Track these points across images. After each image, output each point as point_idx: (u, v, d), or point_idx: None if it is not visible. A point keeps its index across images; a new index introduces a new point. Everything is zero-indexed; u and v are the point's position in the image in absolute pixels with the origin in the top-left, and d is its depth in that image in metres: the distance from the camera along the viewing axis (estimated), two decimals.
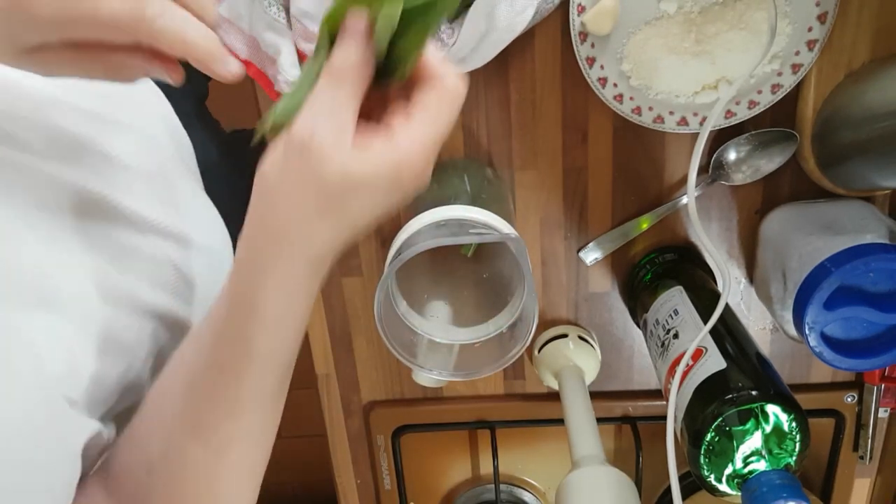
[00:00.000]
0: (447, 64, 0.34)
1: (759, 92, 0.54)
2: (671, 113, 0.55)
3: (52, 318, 0.38)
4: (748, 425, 0.45)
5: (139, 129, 0.50)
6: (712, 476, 0.47)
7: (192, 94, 0.64)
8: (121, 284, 0.44)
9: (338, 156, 0.32)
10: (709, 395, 0.48)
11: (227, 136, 0.67)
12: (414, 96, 0.34)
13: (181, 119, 0.56)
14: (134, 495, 0.42)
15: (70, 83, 0.37)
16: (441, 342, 0.53)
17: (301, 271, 0.36)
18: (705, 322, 0.52)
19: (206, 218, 0.56)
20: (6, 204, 0.38)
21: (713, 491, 0.47)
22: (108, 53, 0.34)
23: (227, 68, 0.35)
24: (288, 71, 0.53)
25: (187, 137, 0.56)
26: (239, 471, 0.42)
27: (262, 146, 0.36)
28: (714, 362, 0.49)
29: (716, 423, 0.46)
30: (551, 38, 0.56)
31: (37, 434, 0.34)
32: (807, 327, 0.51)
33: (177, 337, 0.50)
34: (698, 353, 0.51)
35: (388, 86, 0.35)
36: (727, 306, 0.55)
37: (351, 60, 0.33)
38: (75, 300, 0.39)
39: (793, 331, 0.54)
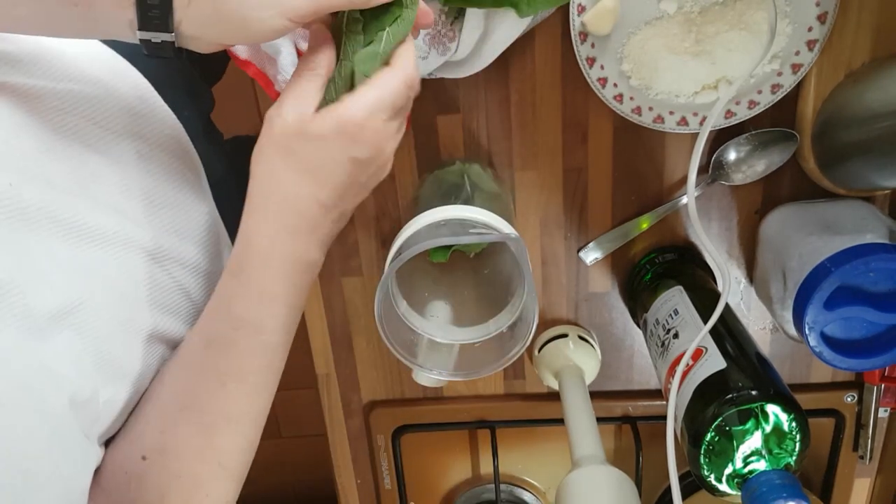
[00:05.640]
0: (403, 56, 0.42)
1: (759, 92, 0.54)
2: (671, 113, 0.55)
3: (73, 345, 0.38)
4: (748, 425, 0.45)
5: (151, 155, 0.50)
6: (712, 476, 0.47)
7: (199, 109, 0.63)
8: (135, 313, 0.44)
9: (293, 117, 0.40)
10: (709, 394, 0.48)
11: (228, 146, 0.67)
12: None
13: (190, 136, 0.56)
14: (126, 486, 0.42)
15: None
16: (441, 342, 0.53)
17: (280, 228, 0.41)
18: (705, 322, 0.52)
19: (216, 241, 0.56)
20: (28, 235, 0.38)
21: (713, 491, 0.47)
22: None
23: None
24: (287, 70, 0.53)
25: (198, 158, 0.56)
26: (225, 454, 0.43)
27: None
28: (714, 362, 0.49)
29: (716, 423, 0.46)
30: (551, 38, 0.56)
31: (58, 463, 0.35)
32: (807, 327, 0.51)
33: None
34: (698, 353, 0.51)
35: None
36: (727, 306, 0.55)
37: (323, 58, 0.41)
38: (92, 328, 0.40)
39: (793, 331, 0.54)
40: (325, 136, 0.40)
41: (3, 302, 0.34)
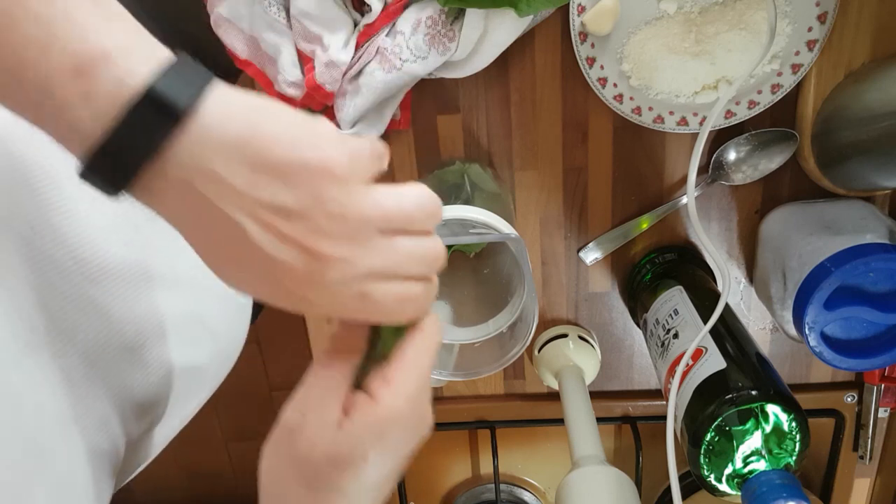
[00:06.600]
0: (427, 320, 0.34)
1: (759, 92, 0.54)
2: (671, 113, 0.55)
3: (97, 392, 0.38)
4: (748, 425, 0.45)
5: None
6: (712, 476, 0.47)
7: None
8: (152, 347, 0.44)
9: (321, 436, 0.31)
10: (709, 394, 0.48)
11: None
12: (391, 354, 0.33)
13: None
14: None
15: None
16: (441, 342, 0.53)
17: None
18: (705, 322, 0.52)
19: None
20: (54, 277, 0.38)
21: (713, 491, 0.47)
22: None
23: None
24: (288, 70, 0.53)
25: None
26: None
27: None
28: (714, 362, 0.49)
29: (716, 423, 0.46)
30: (551, 38, 0.56)
31: None
32: (807, 327, 0.51)
33: (193, 386, 0.51)
34: (698, 353, 0.51)
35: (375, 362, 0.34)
36: (727, 306, 0.55)
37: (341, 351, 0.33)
38: (106, 363, 0.40)
39: (793, 331, 0.55)
40: (364, 452, 0.31)
41: (31, 347, 0.34)
